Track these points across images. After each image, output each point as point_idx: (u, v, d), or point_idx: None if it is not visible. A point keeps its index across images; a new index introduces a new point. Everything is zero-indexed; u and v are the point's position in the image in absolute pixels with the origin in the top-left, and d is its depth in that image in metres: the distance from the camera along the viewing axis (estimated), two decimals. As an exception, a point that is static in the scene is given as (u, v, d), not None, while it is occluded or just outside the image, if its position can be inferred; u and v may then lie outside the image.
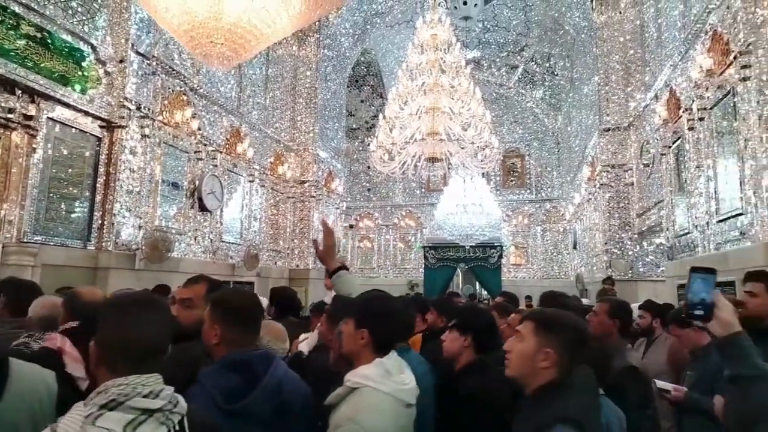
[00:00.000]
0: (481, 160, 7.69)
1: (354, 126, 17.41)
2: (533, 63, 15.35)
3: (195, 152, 7.85)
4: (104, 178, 6.32)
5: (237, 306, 1.70)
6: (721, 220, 5.44)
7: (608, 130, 9.66)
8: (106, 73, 6.27)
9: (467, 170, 9.09)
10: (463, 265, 13.07)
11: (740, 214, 5.01)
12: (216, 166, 8.32)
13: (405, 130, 7.05)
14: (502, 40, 14.94)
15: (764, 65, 4.53)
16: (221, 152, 8.51)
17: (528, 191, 17.00)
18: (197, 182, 7.85)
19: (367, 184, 18.06)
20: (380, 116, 7.43)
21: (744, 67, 4.81)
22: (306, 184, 11.14)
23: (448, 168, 7.90)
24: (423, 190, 17.70)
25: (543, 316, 1.60)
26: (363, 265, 17.63)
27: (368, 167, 16.91)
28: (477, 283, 15.41)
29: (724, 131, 5.41)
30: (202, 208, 7.97)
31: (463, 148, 7.48)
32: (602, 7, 9.69)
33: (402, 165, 7.40)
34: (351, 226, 17.47)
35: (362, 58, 14.78)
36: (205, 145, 8.08)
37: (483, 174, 12.44)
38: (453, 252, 12.85)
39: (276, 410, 1.60)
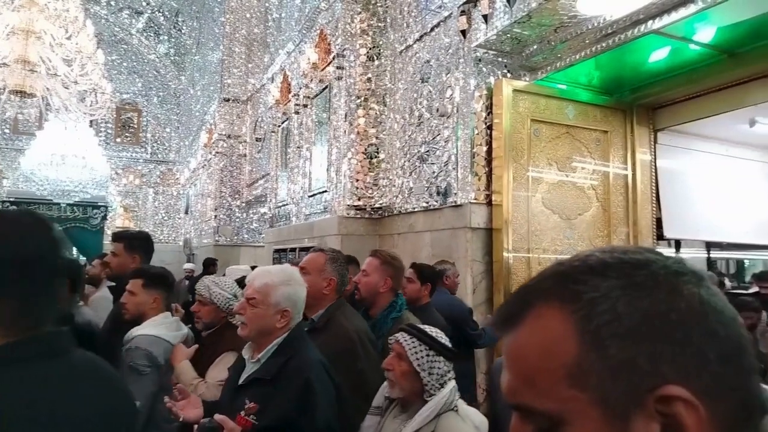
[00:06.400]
0: (89, 106, 6.80)
1: None
2: (160, 14, 14.40)
3: None
4: None
5: None
6: (311, 195, 6.39)
7: (228, 100, 10.02)
8: None
9: (70, 114, 7.83)
10: (58, 226, 11.30)
11: (325, 192, 6.02)
12: None
13: (-19, 48, 5.52)
14: (126, -22, 13.43)
15: (353, 70, 5.55)
16: None
17: (143, 150, 15.92)
18: None
19: None
20: (-59, 22, 5.58)
21: (339, 68, 5.76)
22: None
23: (46, 108, 6.70)
24: (8, 131, 14.26)
25: None
26: None
27: None
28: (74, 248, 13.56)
29: (322, 120, 6.36)
30: None
31: (66, 88, 6.43)
32: (234, -21, 9.90)
33: (-26, 93, 5.78)
34: None
35: None
36: None
37: (91, 123, 11.00)
38: (45, 210, 10.94)
39: None
